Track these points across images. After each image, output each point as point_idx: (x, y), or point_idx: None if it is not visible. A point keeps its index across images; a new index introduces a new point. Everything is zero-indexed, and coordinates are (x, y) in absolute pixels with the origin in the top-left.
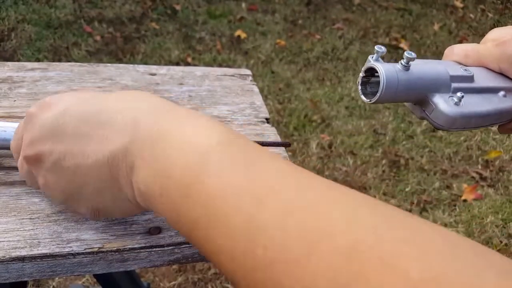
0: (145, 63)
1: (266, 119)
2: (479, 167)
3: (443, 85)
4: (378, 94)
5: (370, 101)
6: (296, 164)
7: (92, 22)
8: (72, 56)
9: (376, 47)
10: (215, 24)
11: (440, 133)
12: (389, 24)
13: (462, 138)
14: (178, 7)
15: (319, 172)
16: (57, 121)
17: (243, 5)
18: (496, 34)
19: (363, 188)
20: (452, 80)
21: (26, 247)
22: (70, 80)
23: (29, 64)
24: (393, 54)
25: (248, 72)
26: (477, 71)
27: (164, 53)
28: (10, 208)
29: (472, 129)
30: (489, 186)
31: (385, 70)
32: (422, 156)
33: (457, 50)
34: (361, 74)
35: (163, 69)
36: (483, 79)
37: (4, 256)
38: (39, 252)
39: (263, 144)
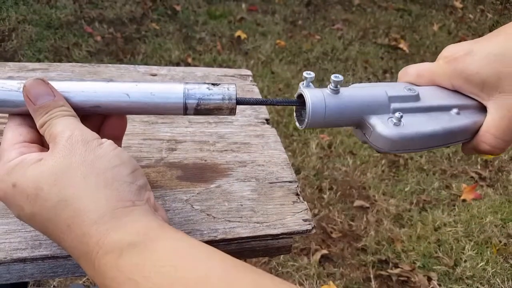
0: (146, 64)
1: (266, 119)
2: (478, 167)
3: (380, 106)
4: (306, 120)
5: (301, 126)
6: (297, 164)
7: (93, 23)
8: (73, 56)
9: (304, 74)
10: (215, 25)
11: None
12: (388, 24)
13: None
14: (178, 8)
15: (319, 172)
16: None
17: (243, 5)
18: (448, 51)
19: (362, 188)
20: (391, 100)
21: (27, 248)
22: (71, 80)
23: (30, 65)
24: (393, 54)
25: (249, 72)
26: (429, 90)
27: (164, 54)
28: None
29: (423, 150)
30: (488, 186)
31: (311, 95)
32: (421, 156)
33: (410, 71)
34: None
35: (163, 70)
36: (432, 97)
37: (5, 258)
38: (41, 253)
39: (273, 102)
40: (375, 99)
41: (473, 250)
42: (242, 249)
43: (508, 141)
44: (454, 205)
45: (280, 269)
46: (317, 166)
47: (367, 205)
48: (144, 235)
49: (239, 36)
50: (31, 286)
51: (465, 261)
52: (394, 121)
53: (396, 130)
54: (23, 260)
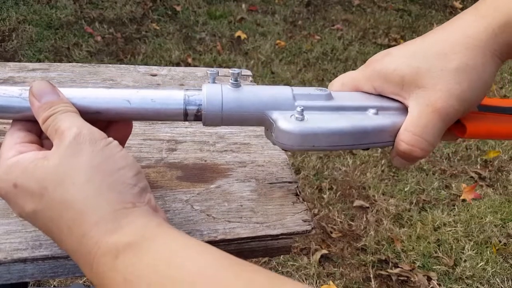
0: (146, 64)
1: None
2: (478, 167)
3: (284, 103)
4: (203, 112)
5: (202, 123)
6: (296, 164)
7: (93, 23)
8: (73, 56)
9: (208, 71)
10: (215, 25)
11: None
12: (388, 24)
13: None
14: (178, 8)
15: (319, 172)
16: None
17: (243, 6)
18: (370, 58)
19: (362, 188)
20: (296, 97)
21: (28, 248)
22: (71, 80)
23: (30, 65)
24: None
25: (249, 72)
26: (348, 94)
27: (164, 54)
28: (12, 209)
29: (333, 149)
30: (488, 186)
31: (208, 88)
32: None
33: (334, 81)
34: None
35: (164, 70)
36: (348, 99)
37: (6, 258)
38: (41, 253)
39: None
40: (279, 95)
41: (473, 250)
42: (242, 249)
43: (428, 140)
44: (453, 205)
45: (280, 268)
46: (317, 166)
47: (367, 205)
48: (141, 235)
49: (239, 36)
50: (31, 285)
51: (465, 261)
52: (296, 115)
53: (298, 124)
54: (24, 261)
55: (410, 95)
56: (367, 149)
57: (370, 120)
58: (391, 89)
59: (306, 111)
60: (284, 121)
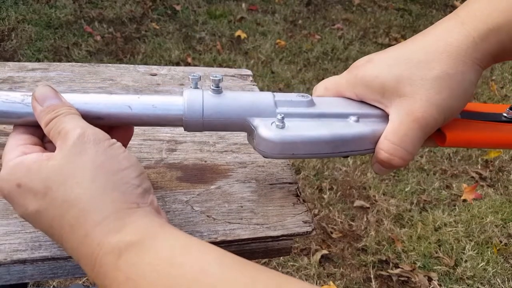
0: (145, 63)
1: None
2: (479, 167)
3: (265, 109)
4: (183, 118)
5: (185, 130)
6: (297, 164)
7: (93, 22)
8: (73, 56)
9: (190, 76)
10: (215, 24)
11: None
12: (388, 24)
13: None
14: (178, 7)
15: (319, 172)
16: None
17: (243, 5)
18: (354, 62)
19: (362, 188)
20: (278, 104)
21: (27, 249)
22: (71, 80)
23: (29, 64)
24: None
25: (249, 72)
26: (330, 100)
27: (164, 53)
28: (11, 210)
29: (313, 157)
30: (488, 186)
31: (188, 94)
32: (421, 156)
33: (318, 86)
34: None
35: (163, 69)
36: (330, 105)
37: (5, 259)
38: (41, 255)
39: None
40: (260, 101)
41: (474, 250)
42: (242, 250)
43: (407, 149)
44: (454, 205)
45: (280, 269)
46: (317, 166)
47: (367, 205)
48: (143, 234)
49: (239, 36)
50: (30, 286)
51: (466, 261)
52: (277, 123)
53: (278, 132)
54: (23, 262)
55: (391, 103)
56: (347, 156)
57: (351, 127)
58: (372, 96)
59: (287, 118)
60: (265, 129)
